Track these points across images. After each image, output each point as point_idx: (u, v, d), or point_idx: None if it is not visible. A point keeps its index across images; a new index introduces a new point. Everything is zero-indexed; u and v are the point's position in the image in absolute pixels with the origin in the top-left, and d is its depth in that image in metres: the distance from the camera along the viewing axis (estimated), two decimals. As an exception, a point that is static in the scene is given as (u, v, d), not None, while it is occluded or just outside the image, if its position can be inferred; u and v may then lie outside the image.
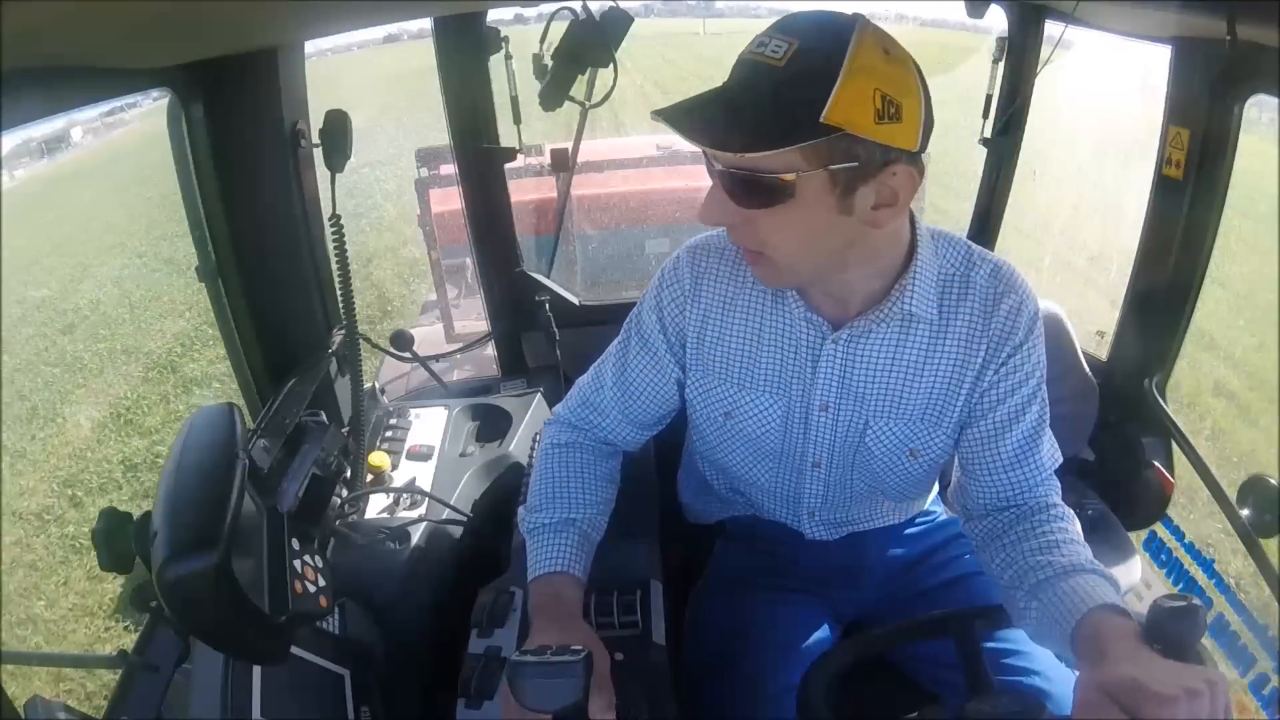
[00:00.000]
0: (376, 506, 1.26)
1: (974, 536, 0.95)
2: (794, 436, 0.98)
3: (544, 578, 0.91)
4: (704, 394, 0.99)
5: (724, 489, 1.14)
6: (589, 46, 1.36)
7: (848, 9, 0.80)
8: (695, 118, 0.73)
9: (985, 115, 1.59)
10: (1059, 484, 0.94)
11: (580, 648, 0.70)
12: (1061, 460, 0.96)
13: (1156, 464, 1.47)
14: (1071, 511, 0.91)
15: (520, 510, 1.01)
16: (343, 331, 1.27)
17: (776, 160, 0.71)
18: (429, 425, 1.49)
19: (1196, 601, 0.67)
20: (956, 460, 0.99)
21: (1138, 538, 1.48)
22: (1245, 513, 1.14)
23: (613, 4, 1.36)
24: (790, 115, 0.69)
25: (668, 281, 0.98)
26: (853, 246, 0.80)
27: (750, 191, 0.75)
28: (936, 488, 1.20)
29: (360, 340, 1.29)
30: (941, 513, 1.18)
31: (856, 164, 0.72)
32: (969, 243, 0.93)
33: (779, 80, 0.70)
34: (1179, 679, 0.63)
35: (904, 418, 0.94)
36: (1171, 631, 0.67)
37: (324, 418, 1.09)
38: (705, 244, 0.97)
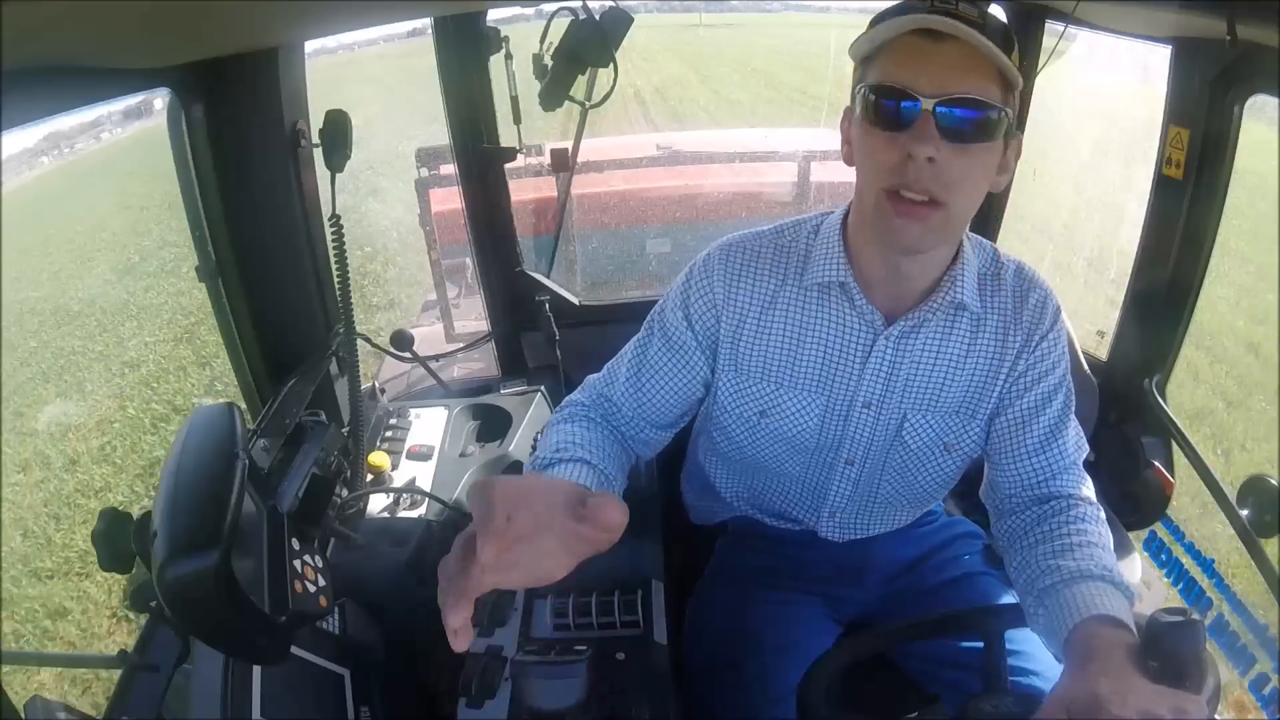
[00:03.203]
0: (376, 506, 1.26)
1: (1001, 537, 0.95)
2: (831, 434, 0.97)
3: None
4: (738, 394, 0.98)
5: (733, 490, 1.13)
6: (589, 46, 1.36)
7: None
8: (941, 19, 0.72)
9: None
10: (1087, 477, 0.94)
11: (584, 647, 0.69)
12: (1087, 451, 0.96)
13: (1156, 464, 1.47)
14: (1098, 512, 0.90)
15: (525, 466, 0.93)
16: (342, 331, 1.28)
17: (991, 90, 0.74)
18: (429, 425, 1.49)
19: (1195, 616, 0.65)
20: (985, 456, 0.99)
21: (1138, 538, 1.48)
22: (1245, 513, 1.14)
23: (613, 4, 1.36)
24: (1006, 48, 0.74)
25: (697, 279, 0.95)
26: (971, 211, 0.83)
27: (963, 122, 0.74)
28: None
29: (359, 340, 1.29)
30: (944, 513, 1.19)
31: (1014, 117, 0.78)
32: (991, 242, 0.95)
33: (986, 27, 0.73)
34: (1144, 702, 0.61)
35: (941, 411, 0.94)
36: (1168, 647, 0.66)
37: (324, 418, 1.09)
38: (739, 243, 0.96)
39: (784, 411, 0.96)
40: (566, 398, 1.04)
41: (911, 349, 0.91)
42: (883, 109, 0.75)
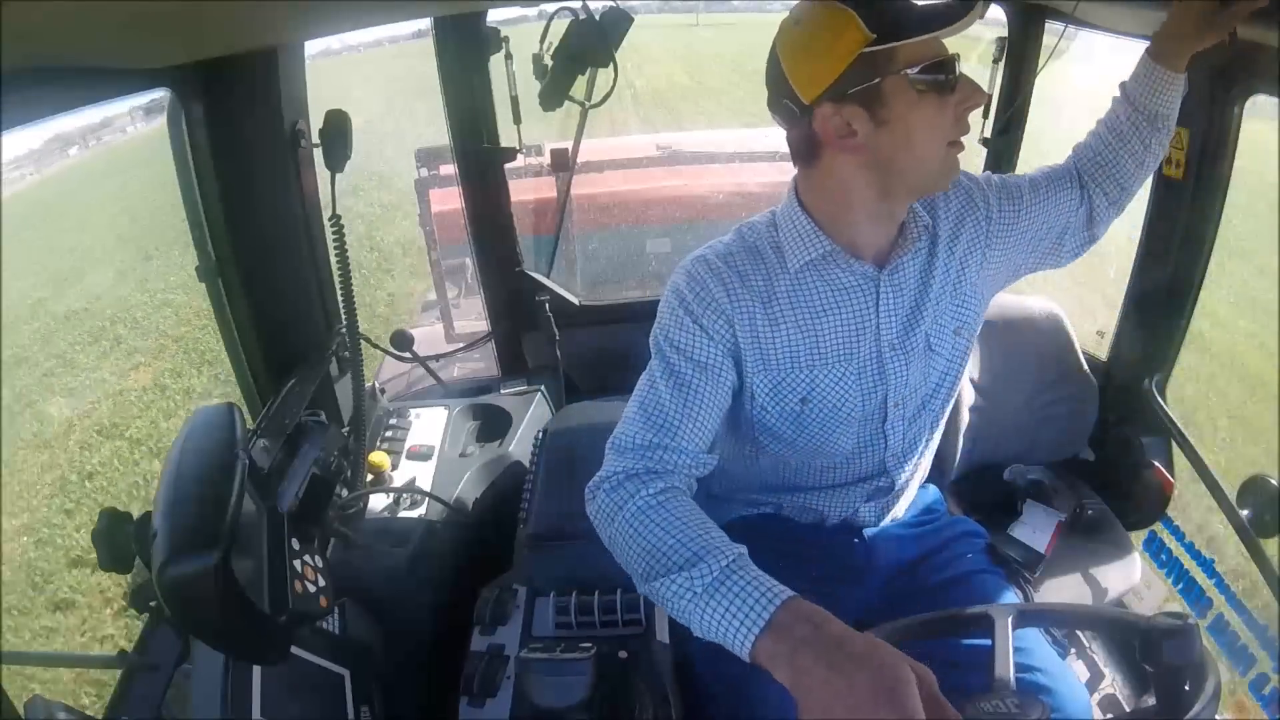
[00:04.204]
0: (376, 506, 1.26)
1: (1094, 163, 1.08)
2: (872, 389, 0.99)
3: (784, 609, 0.70)
4: (775, 389, 0.97)
5: (776, 484, 1.10)
6: (589, 46, 1.36)
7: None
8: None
9: (985, 115, 1.59)
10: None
11: (589, 645, 0.69)
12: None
13: (1156, 464, 1.47)
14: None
15: (646, 579, 0.78)
16: (343, 331, 1.28)
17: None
18: (429, 425, 1.49)
19: (1191, 620, 0.67)
20: (1061, 225, 1.06)
21: (1138, 538, 1.48)
22: (1245, 513, 1.14)
23: (613, 4, 1.36)
24: None
25: (692, 296, 0.93)
26: None
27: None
28: (939, 492, 1.20)
29: (360, 340, 1.29)
30: (945, 513, 1.19)
31: None
32: None
33: None
34: None
35: (943, 307, 1.00)
36: (1165, 652, 0.67)
37: (324, 418, 1.09)
38: (709, 253, 0.96)
39: (825, 389, 0.98)
40: (603, 475, 0.89)
41: (907, 279, 0.97)
42: (943, 78, 0.86)
